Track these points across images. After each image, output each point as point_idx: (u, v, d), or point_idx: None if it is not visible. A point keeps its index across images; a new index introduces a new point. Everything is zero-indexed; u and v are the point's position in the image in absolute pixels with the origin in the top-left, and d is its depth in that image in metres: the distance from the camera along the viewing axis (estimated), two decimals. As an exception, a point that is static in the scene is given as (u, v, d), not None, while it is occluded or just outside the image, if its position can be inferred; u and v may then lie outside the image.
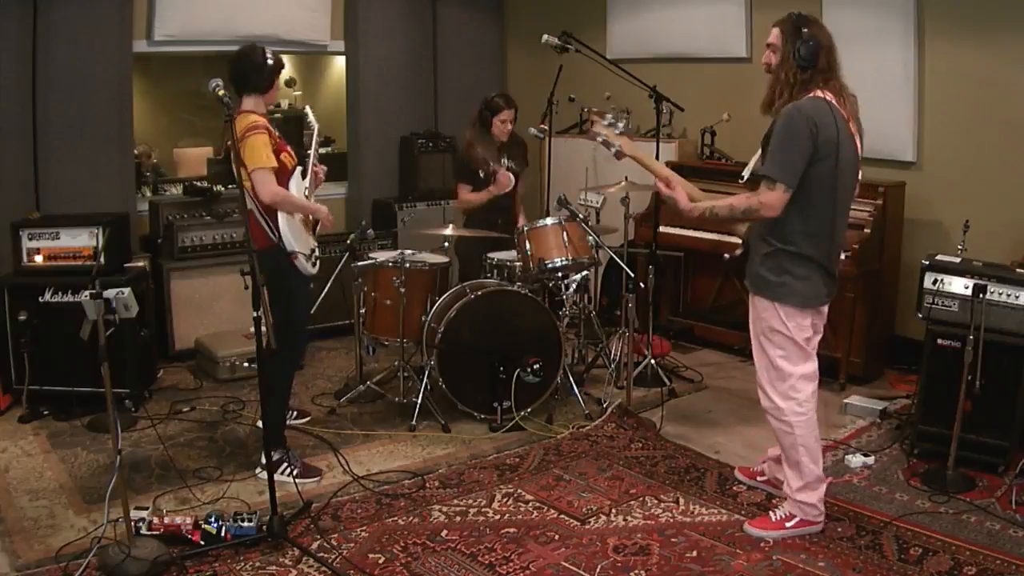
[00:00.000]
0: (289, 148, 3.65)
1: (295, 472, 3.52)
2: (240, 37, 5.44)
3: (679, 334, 5.52)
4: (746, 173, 3.20)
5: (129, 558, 2.79)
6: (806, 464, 3.12)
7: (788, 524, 3.16)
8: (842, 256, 3.24)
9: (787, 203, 2.93)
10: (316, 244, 3.72)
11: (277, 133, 3.58)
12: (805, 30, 2.97)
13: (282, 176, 3.52)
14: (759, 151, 3.15)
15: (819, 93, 2.97)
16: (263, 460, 3.64)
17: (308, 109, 4.08)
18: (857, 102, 3.06)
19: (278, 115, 6.98)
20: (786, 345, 3.08)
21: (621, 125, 3.23)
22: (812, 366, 3.14)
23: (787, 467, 3.18)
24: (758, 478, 3.55)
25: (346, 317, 4.95)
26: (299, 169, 3.67)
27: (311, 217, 3.74)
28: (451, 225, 4.62)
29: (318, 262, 3.70)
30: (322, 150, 6.54)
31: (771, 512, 3.24)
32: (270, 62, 3.56)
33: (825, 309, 3.19)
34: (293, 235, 3.52)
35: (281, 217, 3.49)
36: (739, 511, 3.34)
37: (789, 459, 3.16)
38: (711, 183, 5.40)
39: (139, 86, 6.05)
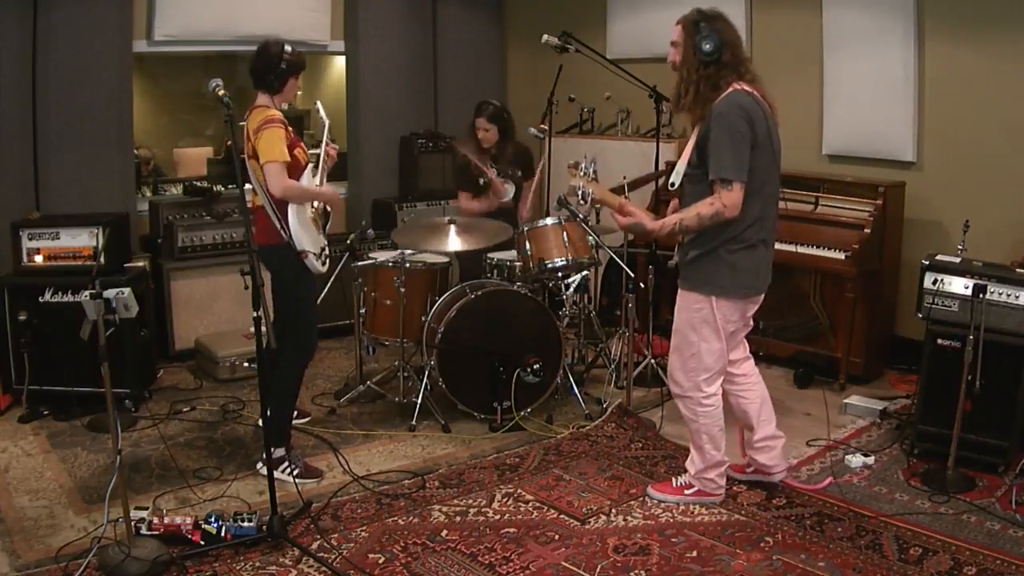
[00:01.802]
0: (302, 144, 3.64)
1: (296, 472, 3.52)
2: (240, 37, 5.46)
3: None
4: (676, 179, 3.16)
5: (129, 558, 2.79)
6: (708, 450, 3.31)
7: (687, 492, 3.38)
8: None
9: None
10: (326, 242, 3.72)
11: (291, 129, 3.57)
12: (703, 24, 2.99)
13: (294, 172, 3.52)
14: (686, 154, 3.14)
15: (736, 86, 3.00)
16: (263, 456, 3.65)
17: (319, 104, 4.06)
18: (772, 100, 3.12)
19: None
20: (712, 338, 3.17)
21: (592, 170, 3.30)
22: (724, 362, 3.25)
23: (692, 449, 3.37)
24: (746, 470, 3.56)
25: (346, 317, 4.95)
26: (310, 166, 3.67)
27: (320, 214, 3.74)
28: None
29: (328, 260, 3.70)
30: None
31: (673, 478, 3.46)
32: (283, 65, 3.52)
33: (756, 303, 3.26)
34: (304, 234, 3.51)
35: (292, 216, 3.48)
36: (739, 511, 3.34)
37: (694, 443, 3.35)
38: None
39: (139, 86, 6.05)
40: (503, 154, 4.87)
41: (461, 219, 4.40)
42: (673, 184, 3.15)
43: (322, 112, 3.97)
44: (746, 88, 3.01)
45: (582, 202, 3.10)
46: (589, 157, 3.18)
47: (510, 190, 4.84)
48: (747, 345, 3.44)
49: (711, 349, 3.18)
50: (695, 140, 3.08)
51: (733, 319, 3.18)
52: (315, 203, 3.70)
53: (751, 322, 3.34)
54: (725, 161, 2.94)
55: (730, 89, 2.99)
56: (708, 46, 2.96)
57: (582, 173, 3.25)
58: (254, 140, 3.44)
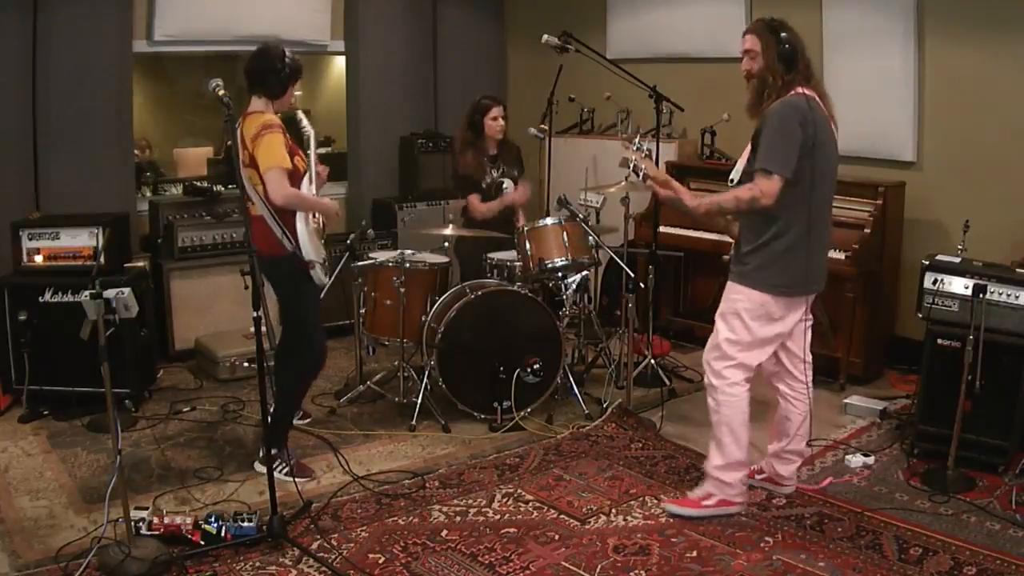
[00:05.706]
0: (301, 152, 3.55)
1: (285, 470, 3.52)
2: (240, 37, 5.46)
3: (679, 334, 5.52)
4: (735, 175, 3.26)
5: (129, 558, 2.79)
6: (727, 444, 3.25)
7: (705, 503, 3.30)
8: (832, 254, 3.43)
9: (784, 193, 3.00)
10: (325, 254, 3.68)
11: (290, 136, 3.48)
12: (783, 34, 3.08)
13: (294, 179, 3.43)
14: (746, 153, 3.21)
15: (799, 90, 3.07)
16: (259, 454, 3.65)
17: (301, 114, 3.76)
18: (831, 104, 3.19)
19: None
20: (739, 330, 3.18)
21: (646, 147, 3.48)
22: (756, 358, 3.22)
23: (711, 443, 3.31)
24: (757, 476, 3.55)
25: (346, 317, 4.95)
26: (308, 175, 3.58)
27: (321, 225, 3.69)
28: (451, 225, 4.61)
29: (328, 271, 3.67)
30: (322, 150, 6.52)
31: (691, 491, 3.39)
32: (287, 69, 3.43)
33: (803, 303, 3.23)
34: (310, 244, 3.46)
35: (299, 226, 3.42)
36: (739, 511, 3.34)
37: (714, 437, 3.30)
38: (711, 183, 5.41)
39: (139, 86, 6.05)
40: (509, 147, 4.87)
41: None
42: (732, 180, 3.22)
43: (305, 122, 3.66)
44: (806, 92, 3.07)
45: (634, 175, 3.29)
46: (641, 137, 3.33)
47: (523, 193, 4.86)
48: (810, 355, 3.38)
49: (736, 340, 3.19)
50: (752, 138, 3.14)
51: (769, 313, 3.15)
52: (316, 214, 3.62)
53: (790, 330, 3.25)
54: (768, 153, 3.01)
55: (793, 92, 3.06)
56: (788, 53, 3.04)
57: (635, 148, 3.42)
58: (252, 147, 3.33)
